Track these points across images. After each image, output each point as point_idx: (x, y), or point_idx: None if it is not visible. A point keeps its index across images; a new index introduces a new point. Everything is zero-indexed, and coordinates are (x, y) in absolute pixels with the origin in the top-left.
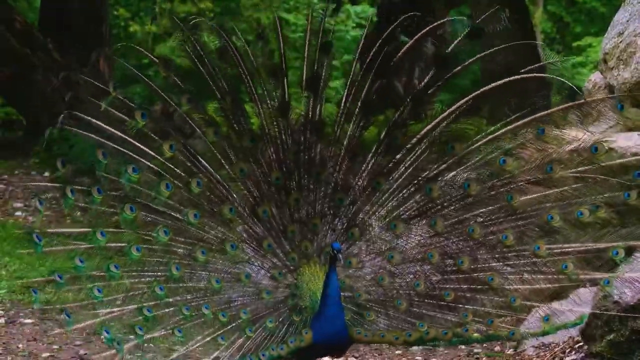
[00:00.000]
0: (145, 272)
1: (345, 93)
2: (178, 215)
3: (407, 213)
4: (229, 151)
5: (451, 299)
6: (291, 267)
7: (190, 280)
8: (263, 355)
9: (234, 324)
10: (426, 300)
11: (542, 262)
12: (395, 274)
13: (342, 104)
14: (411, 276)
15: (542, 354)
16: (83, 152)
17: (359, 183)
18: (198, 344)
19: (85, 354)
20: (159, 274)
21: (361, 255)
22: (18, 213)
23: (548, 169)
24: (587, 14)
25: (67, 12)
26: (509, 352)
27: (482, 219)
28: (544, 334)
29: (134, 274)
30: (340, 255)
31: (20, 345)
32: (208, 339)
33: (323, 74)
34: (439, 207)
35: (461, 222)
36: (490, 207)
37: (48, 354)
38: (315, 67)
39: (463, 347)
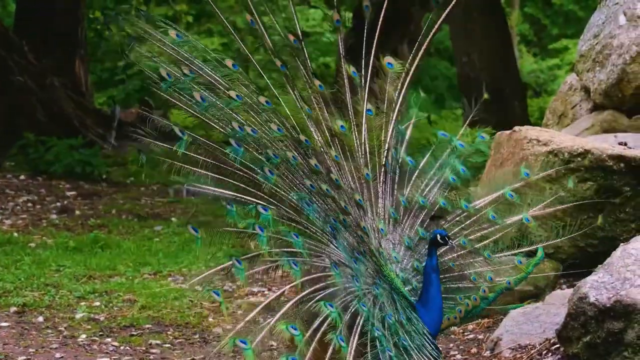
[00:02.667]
0: None
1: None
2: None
3: (390, 186)
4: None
5: (457, 267)
6: (377, 270)
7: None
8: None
9: (396, 337)
10: (447, 275)
11: (478, 218)
12: (418, 258)
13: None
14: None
15: (518, 355)
16: (59, 154)
17: (365, 171)
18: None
19: (62, 357)
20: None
21: (396, 247)
22: None
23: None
24: (564, 16)
25: (43, 13)
26: (485, 355)
27: (417, 184)
28: (527, 274)
29: None
30: (452, 242)
31: None
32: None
33: None
34: (401, 173)
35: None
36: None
37: (24, 357)
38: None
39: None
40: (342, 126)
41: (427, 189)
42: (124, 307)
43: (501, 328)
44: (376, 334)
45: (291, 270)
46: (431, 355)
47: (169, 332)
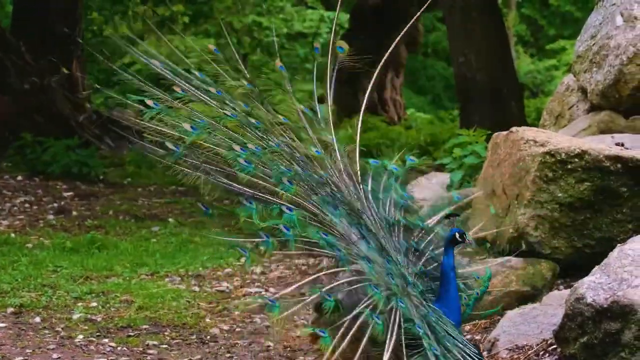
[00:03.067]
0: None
1: None
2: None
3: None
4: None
5: None
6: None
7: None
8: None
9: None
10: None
11: (434, 236)
12: (413, 264)
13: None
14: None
15: (515, 356)
16: (57, 155)
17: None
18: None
19: (59, 357)
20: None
21: (398, 248)
22: None
23: None
24: (560, 16)
25: (40, 14)
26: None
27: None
28: (486, 288)
29: None
30: (470, 239)
31: None
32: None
33: None
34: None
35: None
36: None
37: (21, 358)
38: None
39: None
40: (317, 151)
41: (386, 208)
42: (121, 308)
43: (498, 329)
44: (420, 332)
45: (334, 255)
46: (471, 351)
47: (166, 333)
